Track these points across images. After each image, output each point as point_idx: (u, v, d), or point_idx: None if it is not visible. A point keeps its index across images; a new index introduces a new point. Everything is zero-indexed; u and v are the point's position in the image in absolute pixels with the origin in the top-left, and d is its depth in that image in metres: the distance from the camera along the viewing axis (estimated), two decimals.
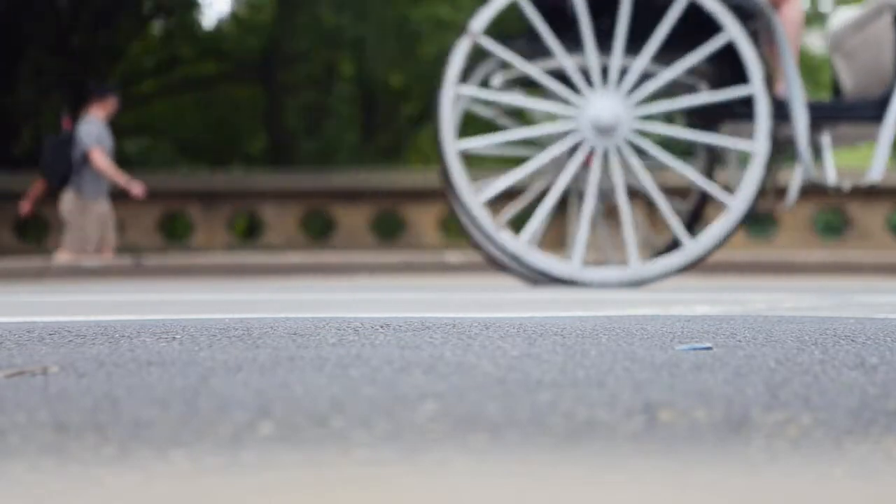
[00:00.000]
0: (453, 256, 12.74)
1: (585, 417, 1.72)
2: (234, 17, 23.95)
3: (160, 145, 24.76)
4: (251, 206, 15.89)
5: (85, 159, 12.62)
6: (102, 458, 1.58)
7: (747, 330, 2.81)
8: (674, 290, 7.26)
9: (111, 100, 13.03)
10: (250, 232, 17.65)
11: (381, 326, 2.87)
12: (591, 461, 1.55)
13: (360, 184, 15.68)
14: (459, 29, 7.07)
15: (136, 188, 12.99)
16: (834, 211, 16.68)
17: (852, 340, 2.59)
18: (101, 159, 12.65)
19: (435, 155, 27.33)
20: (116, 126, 22.91)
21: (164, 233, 15.92)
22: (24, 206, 13.63)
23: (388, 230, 16.28)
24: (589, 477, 1.48)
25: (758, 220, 17.30)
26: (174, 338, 2.64)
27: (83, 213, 12.81)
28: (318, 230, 16.33)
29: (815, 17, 21.84)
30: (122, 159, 23.94)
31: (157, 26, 22.45)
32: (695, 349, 2.46)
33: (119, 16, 19.83)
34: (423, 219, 15.62)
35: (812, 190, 15.37)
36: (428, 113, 23.63)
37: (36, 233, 16.30)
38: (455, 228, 17.14)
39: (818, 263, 12.30)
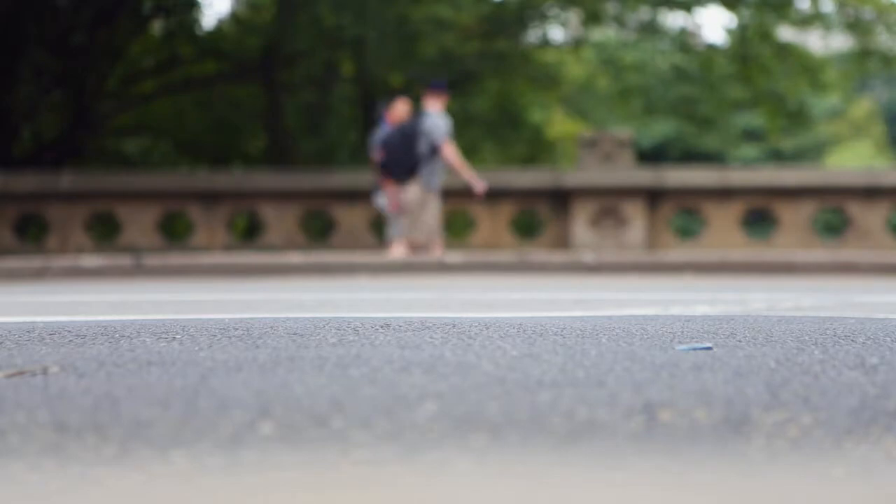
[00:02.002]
0: (454, 256, 12.74)
1: (585, 417, 1.72)
2: (234, 17, 23.94)
3: (160, 145, 24.75)
4: (251, 206, 15.89)
5: (433, 152, 12.67)
6: (102, 458, 1.57)
7: (747, 330, 2.81)
8: (674, 290, 7.26)
9: (445, 93, 13.12)
10: (250, 232, 17.64)
11: (381, 326, 2.87)
12: (591, 461, 1.55)
13: (360, 184, 15.68)
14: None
15: (480, 185, 13.16)
16: (834, 211, 16.68)
17: (852, 340, 2.58)
18: (452, 153, 12.70)
19: None
20: (116, 126, 22.92)
21: (164, 233, 15.92)
22: (393, 205, 13.55)
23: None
24: (589, 477, 1.48)
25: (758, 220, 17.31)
26: (174, 338, 2.64)
27: (425, 206, 12.87)
28: (318, 230, 16.33)
29: (815, 17, 21.82)
30: (122, 159, 23.95)
31: (157, 26, 22.45)
32: (695, 349, 2.46)
33: (119, 15, 19.82)
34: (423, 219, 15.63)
35: (812, 190, 15.37)
36: None
37: (36, 232, 16.30)
38: (455, 228, 17.13)
39: (818, 263, 12.30)
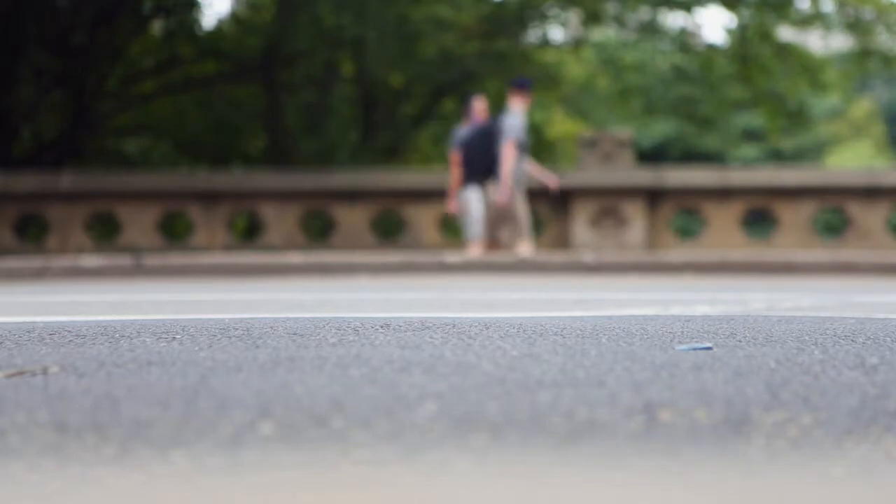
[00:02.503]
0: (453, 256, 12.74)
1: (585, 417, 1.72)
2: (234, 17, 23.94)
3: (160, 145, 24.74)
4: (251, 206, 15.89)
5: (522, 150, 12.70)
6: (102, 458, 1.57)
7: (747, 330, 2.81)
8: (674, 290, 7.26)
9: (529, 92, 13.11)
10: (250, 232, 17.64)
11: (381, 326, 2.87)
12: (591, 461, 1.55)
13: (360, 184, 15.68)
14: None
15: (553, 182, 13.18)
16: (834, 211, 16.68)
17: (852, 340, 2.58)
18: (509, 154, 12.68)
19: (435, 154, 27.24)
20: (116, 126, 22.91)
21: (164, 233, 15.92)
22: (451, 205, 13.54)
23: (388, 230, 16.29)
24: (589, 477, 1.48)
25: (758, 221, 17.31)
26: (174, 338, 2.64)
27: (511, 204, 12.88)
28: (318, 230, 16.32)
29: (815, 17, 21.81)
30: (122, 159, 23.94)
31: (157, 26, 22.44)
32: (695, 349, 2.46)
33: (119, 15, 19.82)
34: (423, 219, 15.63)
35: (812, 190, 15.37)
36: (427, 113, 23.64)
37: (36, 232, 16.29)
38: (455, 228, 17.13)
39: (818, 263, 12.30)
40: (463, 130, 13.51)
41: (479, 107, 13.67)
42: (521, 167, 13.04)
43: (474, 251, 13.00)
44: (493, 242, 13.21)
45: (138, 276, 12.06)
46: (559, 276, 11.56)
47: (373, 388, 1.90)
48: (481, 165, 13.12)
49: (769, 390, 1.90)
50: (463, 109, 14.00)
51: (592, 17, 22.25)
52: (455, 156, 13.40)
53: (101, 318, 3.81)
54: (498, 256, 12.75)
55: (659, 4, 21.69)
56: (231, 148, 24.23)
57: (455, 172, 13.39)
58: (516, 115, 13.01)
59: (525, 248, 13.02)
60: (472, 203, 13.15)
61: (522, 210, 13.15)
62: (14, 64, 18.56)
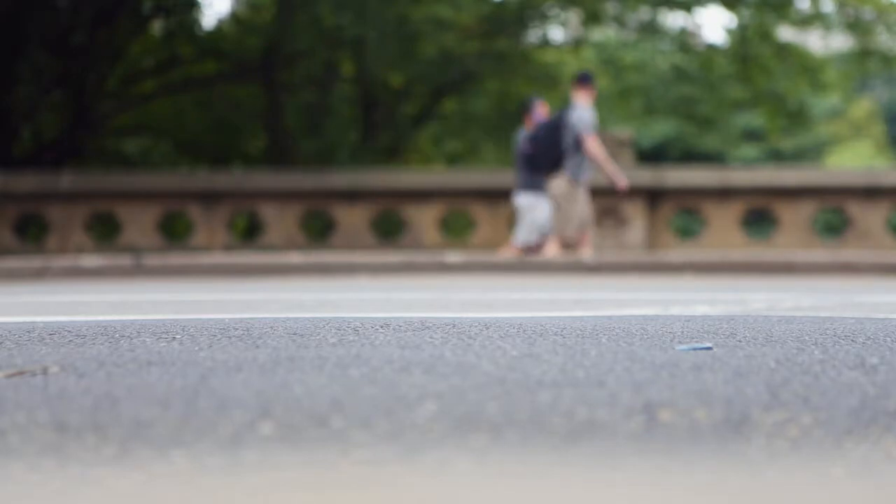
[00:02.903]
0: (453, 256, 12.74)
1: (585, 417, 1.72)
2: (234, 17, 23.94)
3: (160, 145, 24.73)
4: (251, 206, 15.89)
5: (578, 145, 12.65)
6: (102, 458, 1.57)
7: (747, 330, 2.81)
8: (674, 290, 7.26)
9: (592, 86, 13.10)
10: (250, 232, 17.64)
11: (381, 326, 2.86)
12: (591, 461, 1.55)
13: (360, 184, 15.69)
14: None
15: (622, 180, 13.18)
16: (834, 211, 16.68)
17: (852, 340, 2.58)
18: (596, 147, 12.68)
19: (435, 154, 27.20)
20: (116, 126, 22.91)
21: (164, 233, 15.92)
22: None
23: (388, 230, 16.29)
24: (589, 477, 1.48)
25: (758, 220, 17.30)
26: (174, 338, 2.64)
27: (573, 200, 12.86)
28: (318, 230, 16.32)
29: (815, 17, 21.81)
30: (122, 159, 23.93)
31: (157, 26, 22.44)
32: (695, 349, 2.46)
33: (119, 15, 19.81)
34: (423, 219, 15.63)
35: (812, 190, 15.37)
36: (427, 113, 23.62)
37: (36, 232, 16.29)
38: (455, 228, 17.13)
39: (818, 263, 12.30)
40: (525, 132, 13.51)
41: (541, 109, 13.69)
42: (587, 164, 13.03)
43: (551, 250, 12.97)
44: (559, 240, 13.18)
45: (138, 276, 12.06)
46: (559, 276, 11.56)
47: (373, 388, 1.90)
48: (548, 160, 13.06)
49: (769, 390, 1.90)
50: (524, 113, 13.99)
51: (592, 17, 22.25)
52: (519, 156, 13.38)
53: (101, 318, 3.81)
54: (482, 257, 12.73)
55: (659, 4, 21.69)
56: (231, 148, 24.23)
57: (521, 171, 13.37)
58: (585, 108, 12.99)
59: (587, 251, 13.00)
60: (540, 203, 13.14)
61: (583, 206, 13.13)
62: (14, 64, 18.55)
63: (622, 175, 13.34)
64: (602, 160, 12.94)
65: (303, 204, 15.94)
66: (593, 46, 26.87)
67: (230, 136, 23.91)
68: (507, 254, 13.00)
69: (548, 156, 12.99)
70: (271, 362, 2.23)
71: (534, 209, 13.12)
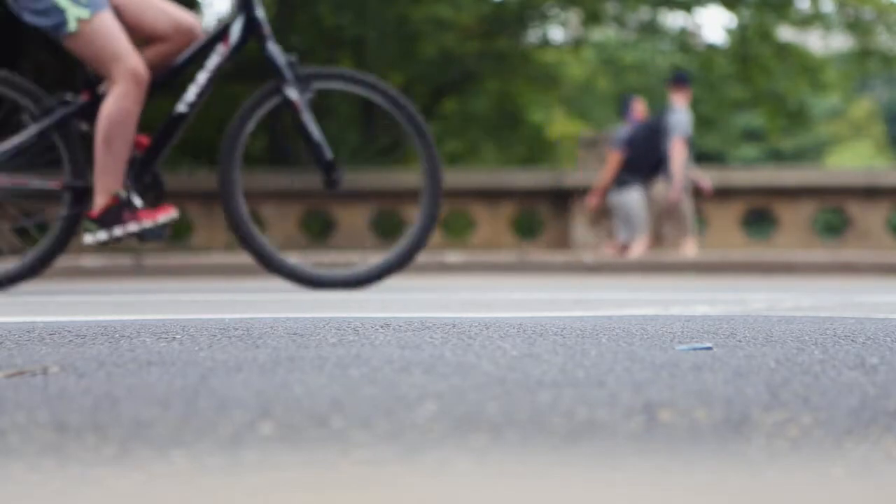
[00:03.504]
0: (453, 256, 12.75)
1: (585, 417, 1.72)
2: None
3: None
4: (251, 206, 15.91)
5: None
6: (102, 458, 1.58)
7: (747, 330, 2.81)
8: (674, 290, 7.26)
9: (688, 87, 13.12)
10: None
11: (381, 326, 2.87)
12: (591, 461, 1.55)
13: (360, 184, 15.70)
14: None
15: (707, 184, 13.21)
16: (834, 211, 16.69)
17: (852, 340, 2.58)
18: (679, 152, 12.66)
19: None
20: None
21: None
22: (592, 201, 13.51)
23: (388, 230, 16.30)
24: (589, 477, 1.48)
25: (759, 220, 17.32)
26: (174, 338, 2.64)
27: (677, 203, 12.87)
28: (318, 230, 16.33)
29: (815, 17, 21.82)
30: None
31: None
32: (695, 349, 2.46)
33: None
34: None
35: (812, 190, 15.37)
36: (427, 113, 23.62)
37: (36, 232, 16.28)
38: (455, 228, 17.13)
39: (818, 263, 12.30)
40: (623, 130, 13.47)
41: (639, 107, 13.68)
42: (688, 164, 13.04)
43: (637, 249, 12.98)
44: (656, 240, 13.20)
45: (138, 276, 12.05)
46: (559, 276, 11.56)
47: (373, 388, 1.90)
48: (646, 164, 13.06)
49: (769, 390, 1.90)
50: (621, 110, 13.97)
51: (592, 17, 22.24)
52: (615, 155, 13.35)
53: (101, 318, 3.81)
54: (482, 257, 12.73)
55: (659, 4, 21.68)
56: None
57: (609, 171, 13.35)
58: (681, 111, 12.98)
59: (690, 248, 13.00)
60: (635, 203, 13.13)
61: (687, 208, 13.14)
62: (15, 64, 18.54)
63: (707, 179, 13.41)
64: (677, 166, 12.93)
65: (303, 204, 15.93)
66: (593, 46, 26.87)
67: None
68: (637, 250, 13.02)
69: (646, 160, 12.98)
70: (271, 362, 2.23)
71: (628, 209, 13.14)
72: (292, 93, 6.87)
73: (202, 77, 6.86)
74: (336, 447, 1.61)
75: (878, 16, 21.42)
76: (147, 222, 6.51)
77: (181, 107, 6.82)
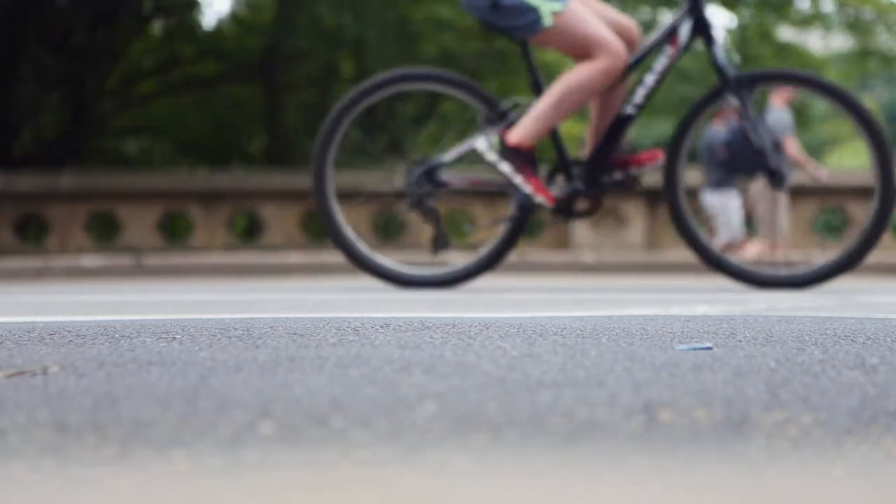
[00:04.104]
0: (452, 256, 12.74)
1: (585, 417, 1.72)
2: (234, 17, 23.95)
3: (160, 145, 24.74)
4: (251, 206, 15.90)
5: (777, 148, 12.65)
6: (102, 458, 1.58)
7: (747, 330, 2.81)
8: (674, 290, 7.26)
9: (787, 89, 13.11)
10: (250, 232, 17.65)
11: (381, 326, 2.87)
12: (591, 461, 1.55)
13: (360, 184, 15.71)
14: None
15: (824, 173, 13.20)
16: (834, 211, 16.68)
17: (852, 340, 2.58)
18: (796, 148, 12.68)
19: (434, 154, 27.17)
20: (116, 126, 22.90)
21: (164, 233, 15.92)
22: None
23: (388, 230, 16.30)
24: (589, 477, 1.48)
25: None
26: (174, 338, 2.64)
27: (775, 204, 12.86)
28: (319, 230, 16.34)
29: (815, 17, 21.83)
30: (122, 159, 23.93)
31: (157, 26, 22.45)
32: (695, 349, 2.46)
33: (119, 15, 19.82)
34: None
35: (812, 190, 15.37)
36: (427, 112, 23.63)
37: (36, 232, 16.30)
38: (455, 228, 17.14)
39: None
40: (718, 131, 13.42)
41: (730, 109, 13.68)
42: (787, 166, 13.04)
43: (753, 250, 12.97)
44: (770, 240, 13.16)
45: (138, 276, 12.05)
46: (559, 276, 11.56)
47: (373, 388, 1.90)
48: (747, 165, 13.02)
49: (769, 390, 1.90)
50: (717, 110, 13.93)
51: None
52: (716, 155, 13.30)
53: (101, 318, 3.81)
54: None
55: (659, 4, 21.69)
56: (231, 148, 24.21)
57: (711, 172, 13.31)
58: (781, 110, 12.98)
59: (755, 249, 12.97)
60: (733, 205, 13.13)
61: (771, 210, 13.12)
62: (14, 64, 18.55)
63: (823, 170, 13.44)
64: (804, 160, 12.96)
65: (303, 204, 15.93)
66: None
67: (230, 136, 23.91)
68: (750, 252, 13.00)
69: (747, 159, 12.94)
70: (271, 362, 2.23)
71: (727, 209, 13.13)
72: (732, 98, 6.80)
73: (650, 79, 6.75)
74: (336, 447, 1.61)
75: (878, 16, 21.43)
76: (529, 189, 6.52)
77: (629, 108, 6.69)
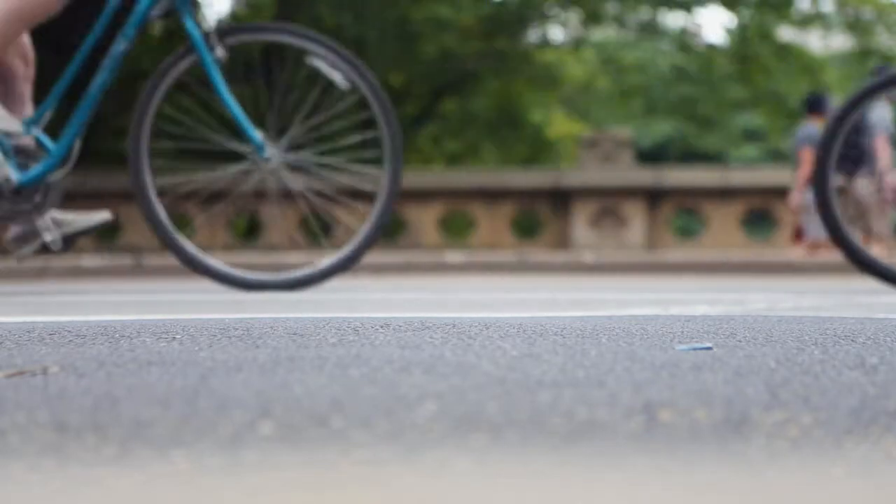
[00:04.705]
0: (453, 256, 12.75)
1: (585, 417, 1.72)
2: (234, 17, 23.96)
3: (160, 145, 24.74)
4: (251, 206, 15.89)
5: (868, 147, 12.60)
6: (102, 458, 1.58)
7: (747, 330, 2.81)
8: (674, 290, 7.26)
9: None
10: (250, 232, 17.63)
11: (381, 326, 2.87)
12: (591, 461, 1.55)
13: (360, 184, 15.72)
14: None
15: None
16: None
17: (852, 340, 2.58)
18: (884, 148, 12.60)
19: (435, 155, 27.25)
20: (116, 126, 22.87)
21: None
22: (795, 199, 13.40)
23: (388, 230, 16.31)
24: (589, 477, 1.48)
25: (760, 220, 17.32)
26: (174, 338, 2.64)
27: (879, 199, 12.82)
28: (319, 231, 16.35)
29: (815, 17, 21.82)
30: (122, 159, 23.91)
31: (157, 26, 22.46)
32: (695, 349, 2.46)
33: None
34: (423, 219, 15.63)
35: None
36: (427, 113, 23.61)
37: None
38: (455, 228, 17.13)
39: (818, 263, 12.29)
40: (811, 128, 13.37)
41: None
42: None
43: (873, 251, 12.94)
44: (867, 237, 13.14)
45: (138, 276, 12.05)
46: (559, 276, 11.56)
47: (373, 388, 1.90)
48: (848, 161, 12.97)
49: (769, 390, 1.91)
50: (811, 108, 13.84)
51: (592, 17, 22.25)
52: (808, 153, 13.25)
53: (101, 318, 3.81)
54: (482, 257, 12.74)
55: (659, 4, 21.69)
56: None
57: (806, 169, 13.27)
58: (883, 107, 12.92)
59: (875, 250, 12.94)
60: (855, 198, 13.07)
61: (880, 210, 13.08)
62: None
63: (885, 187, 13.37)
64: (884, 163, 12.90)
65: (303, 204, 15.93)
66: (593, 46, 26.87)
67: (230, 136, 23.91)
68: (797, 252, 12.98)
69: (848, 156, 12.92)
70: (271, 362, 2.23)
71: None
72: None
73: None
74: (336, 447, 1.61)
75: (878, 16, 21.43)
76: None
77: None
